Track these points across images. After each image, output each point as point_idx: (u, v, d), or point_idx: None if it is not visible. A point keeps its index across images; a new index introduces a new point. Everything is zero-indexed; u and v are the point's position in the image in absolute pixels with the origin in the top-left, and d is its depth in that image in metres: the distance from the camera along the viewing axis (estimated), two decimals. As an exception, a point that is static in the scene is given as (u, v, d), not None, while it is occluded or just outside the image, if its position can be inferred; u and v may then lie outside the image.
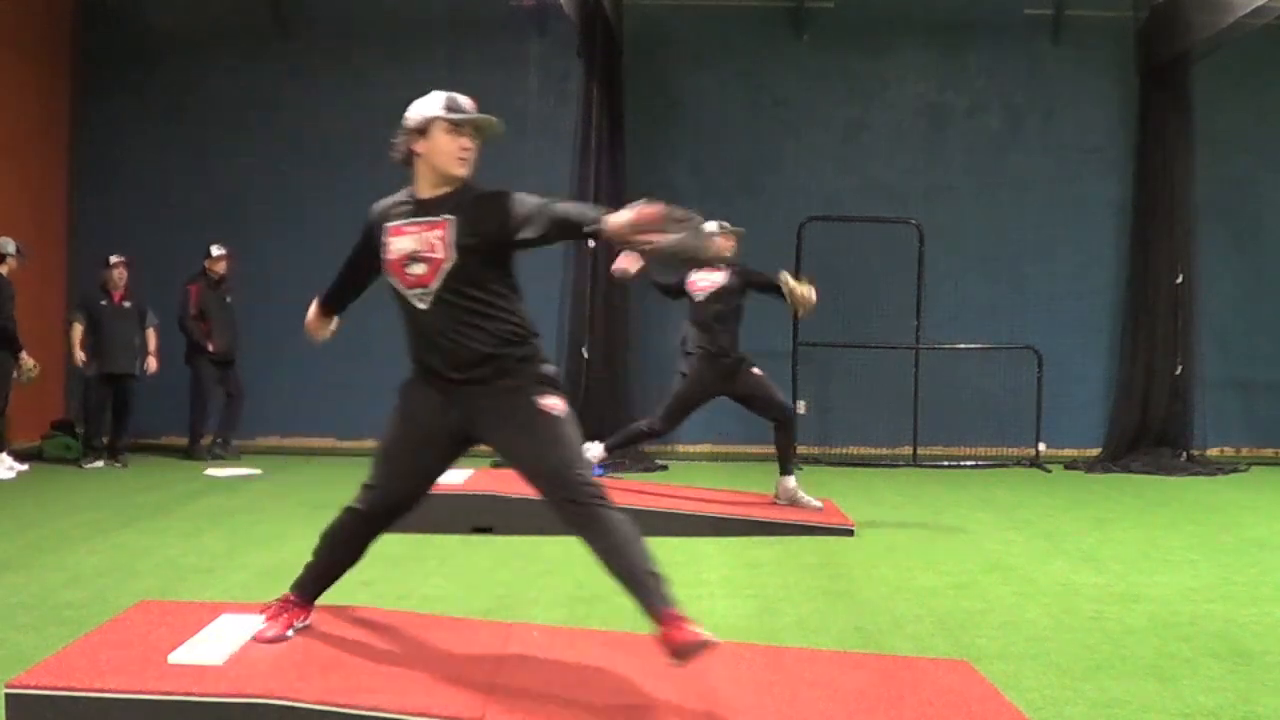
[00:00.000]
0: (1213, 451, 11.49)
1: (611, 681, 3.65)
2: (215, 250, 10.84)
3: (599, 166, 10.97)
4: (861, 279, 11.41)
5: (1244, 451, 11.83)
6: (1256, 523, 7.99)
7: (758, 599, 5.42)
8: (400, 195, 3.83)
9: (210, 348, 10.71)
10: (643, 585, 3.46)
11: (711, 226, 7.42)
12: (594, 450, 7.58)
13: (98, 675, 3.34)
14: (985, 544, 6.98)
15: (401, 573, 5.89)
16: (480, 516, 7.04)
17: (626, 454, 10.78)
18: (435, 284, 3.65)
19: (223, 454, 10.76)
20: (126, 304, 10.32)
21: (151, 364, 10.43)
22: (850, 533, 7.07)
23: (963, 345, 11.50)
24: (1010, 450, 11.38)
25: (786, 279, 7.01)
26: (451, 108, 3.79)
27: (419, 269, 3.70)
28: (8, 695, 3.24)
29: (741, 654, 4.15)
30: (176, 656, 3.51)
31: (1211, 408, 11.38)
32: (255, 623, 3.87)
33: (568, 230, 3.61)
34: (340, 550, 3.95)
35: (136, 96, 11.82)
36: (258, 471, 9.86)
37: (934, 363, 11.48)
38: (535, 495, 3.75)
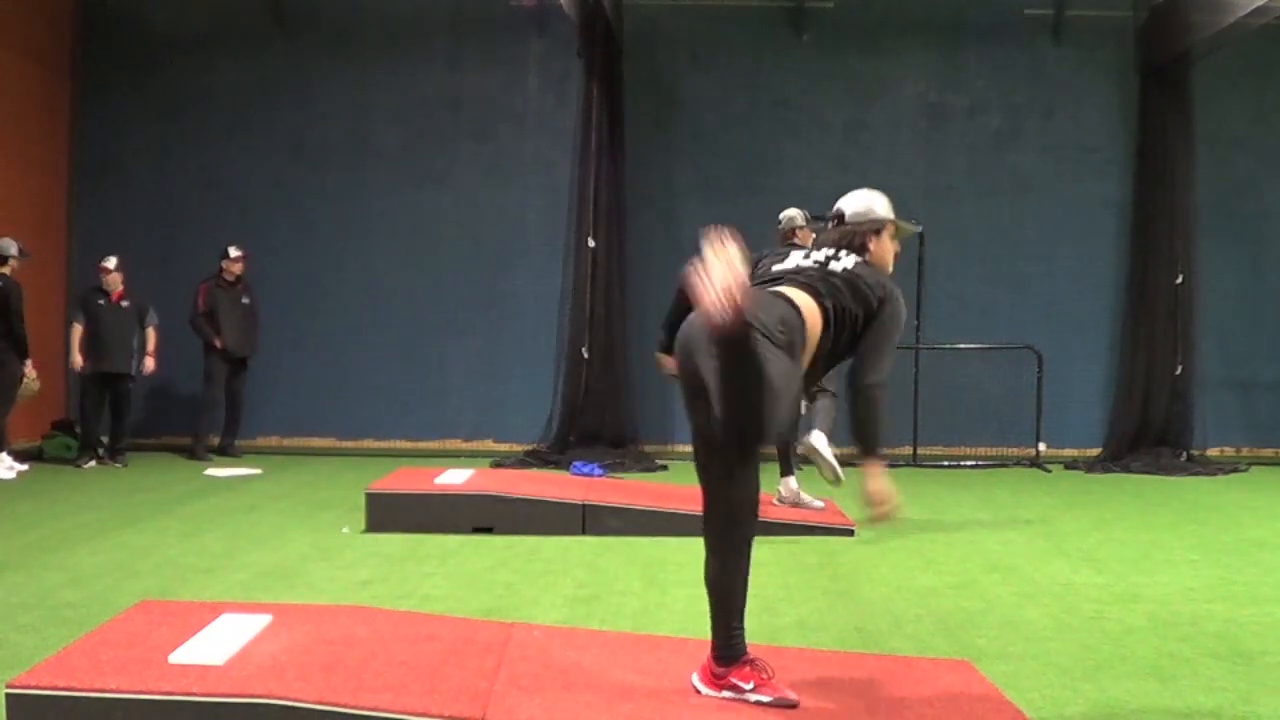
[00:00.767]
0: (1213, 451, 11.49)
1: (611, 681, 3.65)
2: (233, 251, 10.88)
3: (599, 166, 10.98)
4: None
5: (1244, 451, 11.83)
6: (1256, 523, 7.99)
7: (758, 599, 5.40)
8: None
9: (218, 344, 10.73)
10: None
11: (793, 213, 7.50)
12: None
13: (98, 675, 3.34)
14: (985, 544, 6.98)
15: (401, 573, 5.89)
16: (480, 516, 7.05)
17: (626, 454, 10.81)
18: None
19: (229, 454, 10.81)
20: (124, 304, 10.34)
21: (149, 364, 10.44)
22: (850, 533, 7.07)
23: (963, 345, 11.50)
24: (1010, 450, 11.38)
25: None
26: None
27: None
28: (8, 695, 3.24)
29: (741, 654, 4.14)
30: (177, 656, 3.51)
31: (1211, 408, 11.39)
32: (260, 623, 3.86)
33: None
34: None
35: (136, 96, 11.82)
36: (258, 471, 9.86)
37: (934, 363, 11.48)
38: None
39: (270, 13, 11.79)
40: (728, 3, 11.92)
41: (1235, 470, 10.97)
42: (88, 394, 10.38)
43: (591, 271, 10.91)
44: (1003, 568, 6.25)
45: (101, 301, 10.28)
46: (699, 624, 4.94)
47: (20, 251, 9.59)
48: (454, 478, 7.61)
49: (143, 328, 10.46)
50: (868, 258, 3.82)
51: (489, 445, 11.59)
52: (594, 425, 10.95)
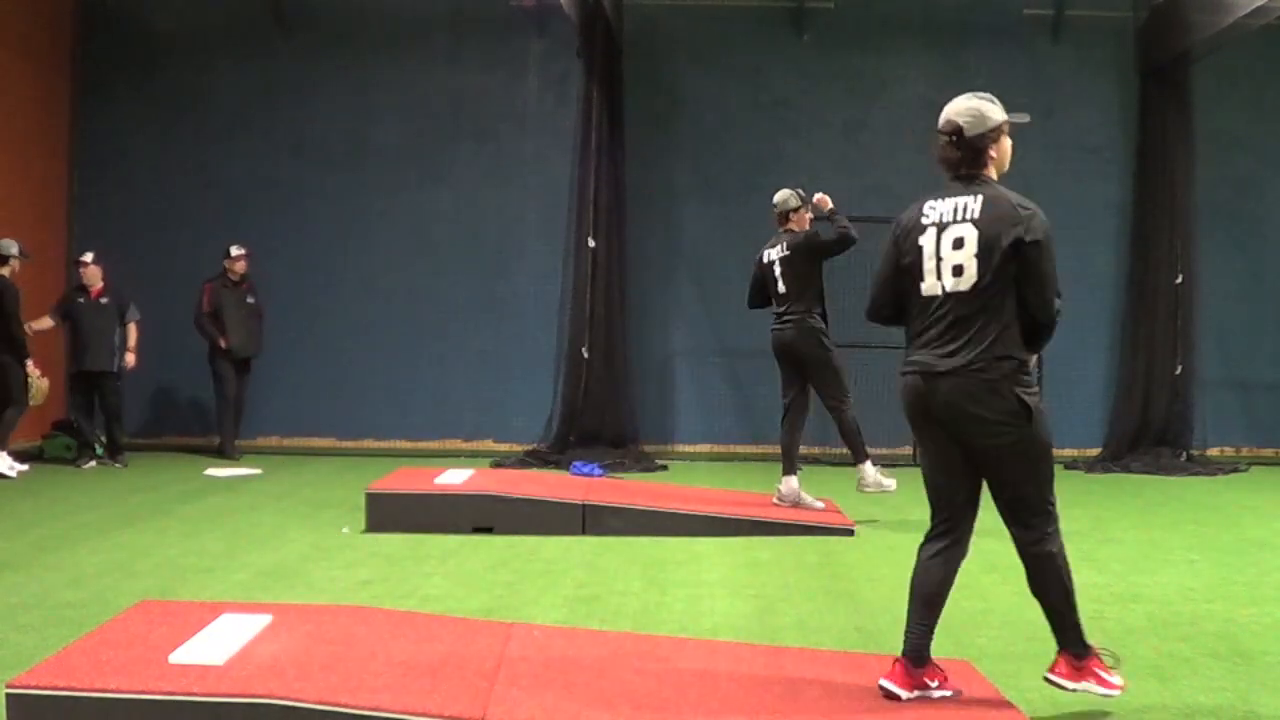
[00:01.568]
0: (1213, 451, 11.49)
1: (611, 681, 3.65)
2: (234, 250, 10.85)
3: (599, 166, 10.98)
4: (861, 279, 11.36)
5: (1244, 451, 11.83)
6: (1256, 523, 7.99)
7: (758, 599, 5.42)
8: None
9: (223, 344, 10.71)
10: None
11: (785, 194, 7.58)
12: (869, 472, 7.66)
13: (98, 675, 3.34)
14: (985, 544, 6.95)
15: (401, 573, 5.89)
16: (480, 516, 7.05)
17: (626, 454, 10.80)
18: None
19: (226, 455, 10.81)
20: (104, 300, 10.27)
21: (130, 360, 10.37)
22: (850, 533, 7.07)
23: (963, 345, 11.49)
24: (1010, 450, 11.35)
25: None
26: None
27: None
28: (8, 695, 3.24)
29: (741, 654, 4.15)
30: (177, 656, 3.51)
31: (1211, 408, 11.38)
32: (260, 623, 3.86)
33: None
34: None
35: (136, 96, 11.82)
36: (258, 471, 9.85)
37: (934, 363, 11.46)
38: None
39: (270, 13, 11.79)
40: (728, 3, 11.92)
41: (1235, 470, 10.97)
42: (74, 394, 10.37)
43: (591, 271, 10.91)
44: (1003, 568, 6.23)
45: (81, 299, 10.24)
46: (699, 624, 4.95)
47: (20, 252, 9.59)
48: (454, 478, 7.61)
49: (123, 324, 10.37)
50: (989, 168, 3.95)
51: (489, 445, 11.59)
52: (594, 425, 10.95)
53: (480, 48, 11.85)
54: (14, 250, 9.53)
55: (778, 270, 7.53)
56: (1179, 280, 11.24)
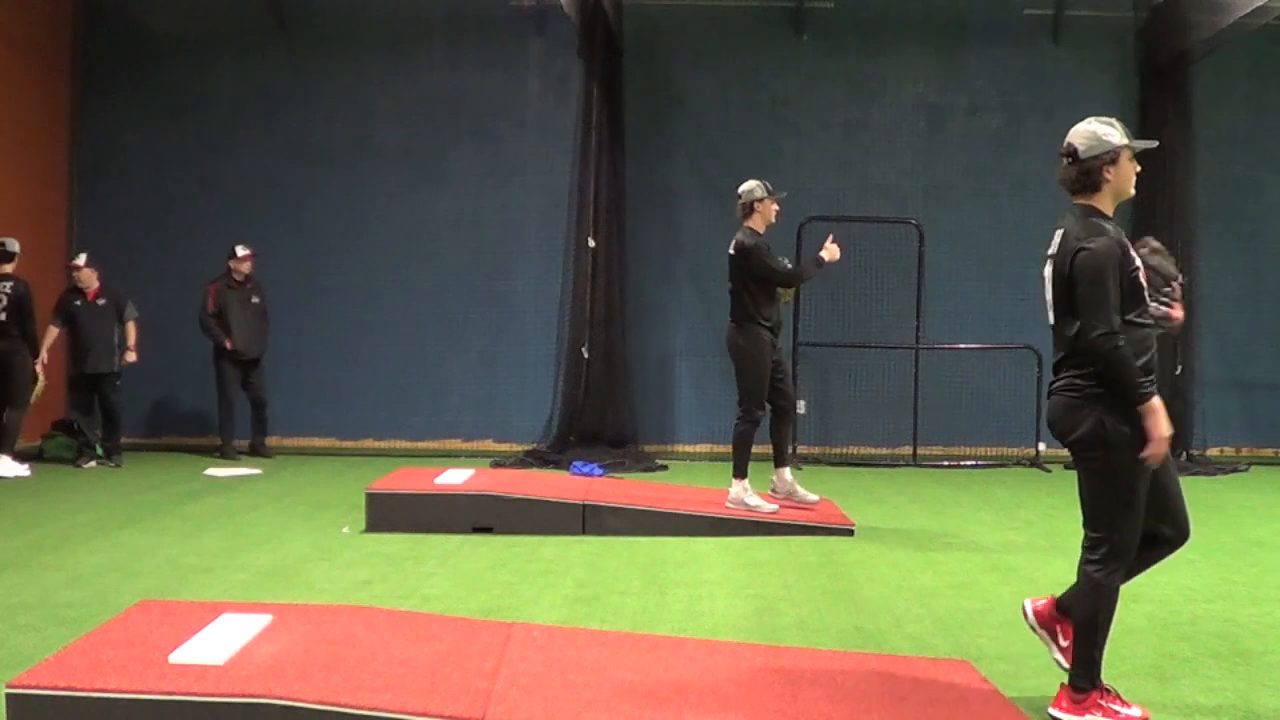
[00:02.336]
0: (1213, 451, 11.48)
1: (611, 681, 3.65)
2: (240, 250, 10.84)
3: (599, 166, 10.97)
4: (861, 279, 11.41)
5: (1244, 451, 11.83)
6: (1256, 523, 7.99)
7: (758, 599, 5.42)
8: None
9: (228, 345, 10.70)
10: None
11: (752, 185, 7.46)
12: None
13: (98, 675, 3.34)
14: (985, 544, 6.98)
15: (401, 573, 5.89)
16: (480, 516, 7.05)
17: (626, 454, 10.80)
18: None
19: (261, 455, 10.82)
20: (101, 301, 10.24)
21: (130, 356, 10.34)
22: (850, 533, 7.07)
23: (963, 345, 11.50)
24: (1010, 450, 11.37)
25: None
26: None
27: None
28: (8, 695, 3.25)
29: (741, 654, 4.15)
30: (177, 656, 3.51)
31: (1211, 408, 11.38)
32: (260, 623, 3.86)
33: None
34: None
35: (136, 96, 11.81)
36: (258, 471, 9.85)
37: (934, 363, 11.48)
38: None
39: (270, 13, 11.78)
40: (728, 3, 11.91)
41: (1235, 470, 10.97)
42: (74, 395, 10.36)
43: (591, 271, 10.90)
44: (1003, 568, 6.25)
45: (78, 302, 10.21)
46: (699, 624, 4.95)
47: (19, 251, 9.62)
48: (454, 478, 7.61)
49: (121, 323, 10.35)
50: (1103, 191, 4.12)
51: (489, 445, 11.58)
52: (594, 425, 10.94)
53: (480, 48, 11.85)
54: (16, 247, 9.54)
55: (729, 266, 7.46)
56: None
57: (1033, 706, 3.78)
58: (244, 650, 3.62)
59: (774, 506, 7.28)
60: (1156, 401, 3.64)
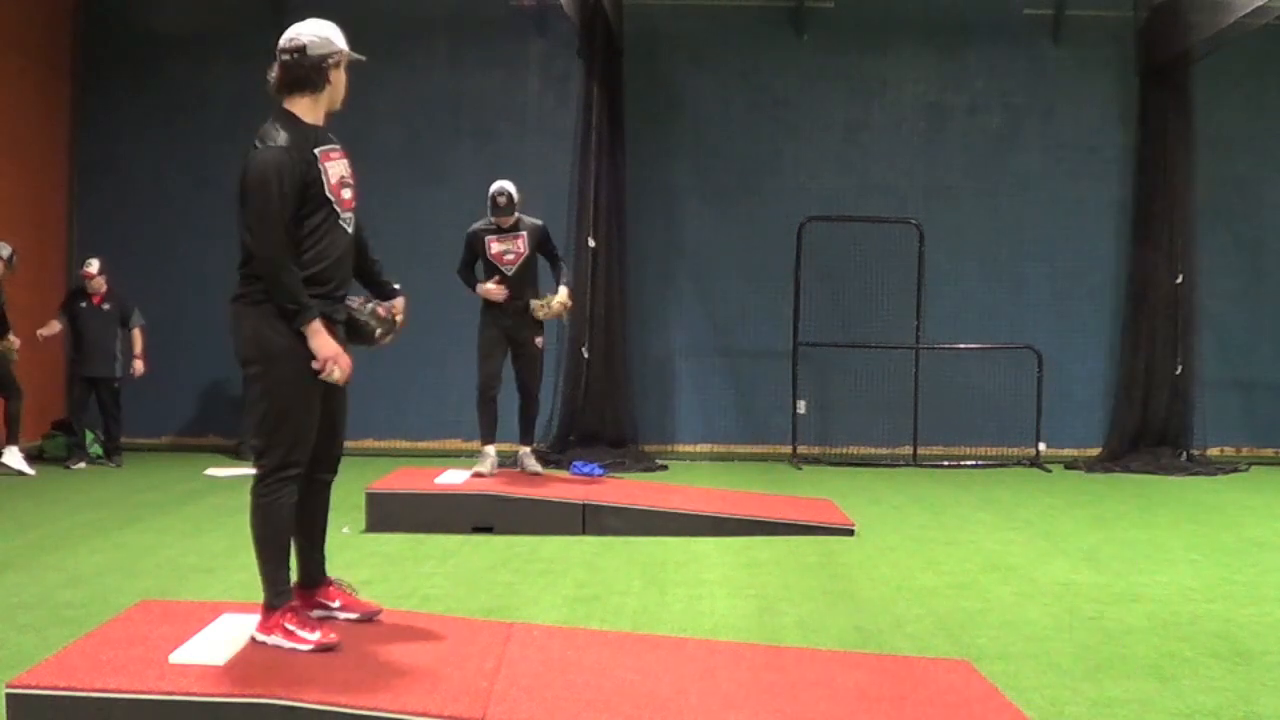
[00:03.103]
0: (1213, 451, 11.48)
1: (611, 681, 3.65)
2: None
3: (599, 166, 10.97)
4: (861, 279, 11.41)
5: (1244, 451, 11.82)
6: (1256, 523, 7.99)
7: (758, 599, 5.42)
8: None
9: None
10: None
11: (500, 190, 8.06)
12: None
13: (98, 675, 3.34)
14: (985, 544, 6.98)
15: (401, 573, 5.89)
16: (480, 516, 7.05)
17: (626, 454, 10.80)
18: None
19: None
20: (106, 306, 10.23)
21: (138, 366, 10.32)
22: (850, 533, 7.07)
23: (963, 345, 11.50)
24: (1010, 450, 11.37)
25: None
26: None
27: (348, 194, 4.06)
28: (9, 695, 3.25)
29: (741, 654, 4.15)
30: (177, 656, 3.51)
31: (1211, 408, 11.38)
32: (254, 624, 3.86)
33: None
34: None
35: (136, 96, 11.80)
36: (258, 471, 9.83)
37: (934, 363, 11.48)
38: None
39: (270, 13, 11.77)
40: (728, 3, 11.91)
41: (1235, 470, 10.97)
42: (72, 396, 10.35)
43: (591, 271, 10.90)
44: (1003, 568, 6.25)
45: (84, 304, 10.20)
46: (699, 624, 4.95)
47: (11, 258, 9.54)
48: (454, 478, 7.62)
49: (126, 329, 10.33)
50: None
51: (489, 445, 11.57)
52: (594, 425, 10.94)
53: (480, 48, 11.84)
54: (5, 253, 9.51)
55: None
56: (1179, 280, 11.24)
57: (1033, 706, 3.78)
58: (244, 650, 3.62)
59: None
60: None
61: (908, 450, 11.35)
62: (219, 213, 11.66)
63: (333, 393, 3.95)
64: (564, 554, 6.39)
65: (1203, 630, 4.89)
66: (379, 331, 4.11)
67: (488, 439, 7.83)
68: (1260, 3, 9.43)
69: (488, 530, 6.97)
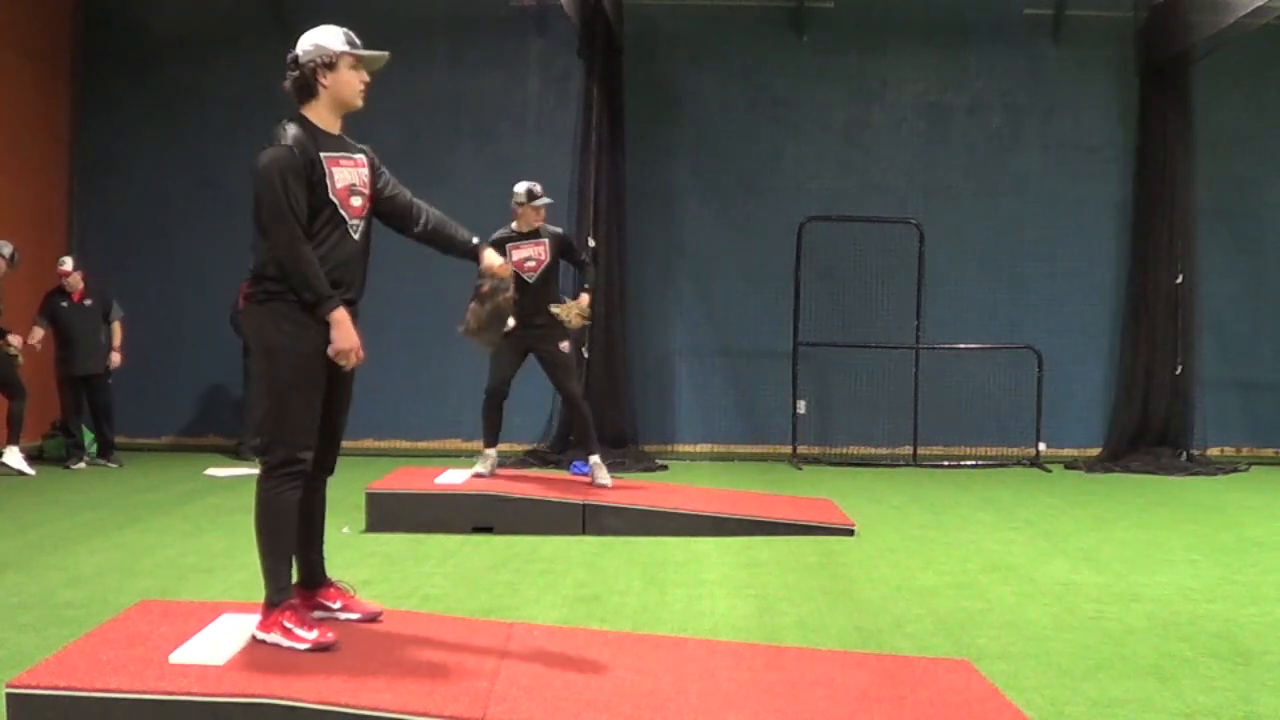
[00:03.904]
0: (1213, 451, 11.48)
1: (611, 681, 3.65)
2: None
3: (599, 166, 10.97)
4: (861, 279, 11.42)
5: (1244, 451, 11.83)
6: (1256, 523, 7.99)
7: (758, 599, 5.42)
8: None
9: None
10: None
11: (522, 188, 7.93)
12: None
13: (99, 675, 3.34)
14: (985, 544, 6.98)
15: (401, 573, 5.89)
16: (480, 516, 7.05)
17: (626, 454, 10.80)
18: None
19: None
20: (87, 302, 10.16)
21: (115, 359, 10.27)
22: (850, 533, 7.07)
23: (963, 345, 11.50)
24: (1010, 450, 11.38)
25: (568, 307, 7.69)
26: (354, 42, 4.25)
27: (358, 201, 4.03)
28: (9, 695, 3.25)
29: (741, 654, 4.15)
30: (177, 656, 3.51)
31: (1211, 408, 11.38)
32: (254, 624, 3.86)
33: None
34: None
35: (136, 96, 11.81)
36: (258, 471, 9.82)
37: (934, 363, 11.48)
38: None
39: (270, 12, 11.78)
40: (728, 3, 11.91)
41: (1235, 470, 10.97)
42: (65, 397, 10.35)
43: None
44: (1003, 568, 6.25)
45: (64, 304, 10.11)
46: (699, 624, 4.95)
47: (12, 257, 9.55)
48: (454, 478, 7.62)
49: (108, 323, 10.29)
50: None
51: (489, 445, 11.58)
52: (594, 425, 10.92)
53: (480, 48, 11.85)
54: (6, 252, 9.51)
55: None
56: (1179, 280, 11.24)
57: (1033, 706, 3.78)
58: (244, 650, 3.62)
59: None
60: None
61: (908, 450, 11.35)
62: (219, 213, 11.69)
63: (334, 399, 3.96)
64: (564, 554, 6.39)
65: (1203, 630, 4.89)
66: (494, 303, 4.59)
67: (490, 442, 7.85)
68: (1260, 3, 9.43)
69: (488, 530, 6.97)
